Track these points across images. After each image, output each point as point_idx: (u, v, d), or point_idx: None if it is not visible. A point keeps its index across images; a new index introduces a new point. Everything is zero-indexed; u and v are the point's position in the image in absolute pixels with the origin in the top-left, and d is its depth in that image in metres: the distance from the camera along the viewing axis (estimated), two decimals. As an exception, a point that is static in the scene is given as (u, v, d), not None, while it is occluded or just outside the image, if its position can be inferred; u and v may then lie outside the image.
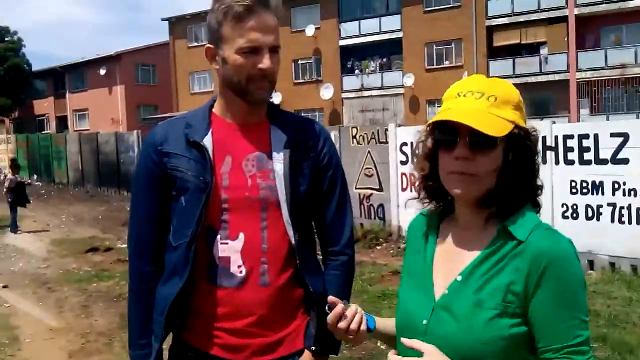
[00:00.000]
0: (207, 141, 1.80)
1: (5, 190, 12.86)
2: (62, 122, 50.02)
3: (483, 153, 1.33)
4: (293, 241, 1.82)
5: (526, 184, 1.39)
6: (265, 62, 1.74)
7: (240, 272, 1.79)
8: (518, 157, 1.36)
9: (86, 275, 8.70)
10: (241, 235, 1.79)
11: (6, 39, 45.57)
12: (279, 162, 1.82)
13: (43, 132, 44.19)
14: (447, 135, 1.37)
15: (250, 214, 1.80)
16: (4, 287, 8.14)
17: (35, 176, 24.18)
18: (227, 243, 1.79)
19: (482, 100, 1.35)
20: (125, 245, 11.78)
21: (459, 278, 1.37)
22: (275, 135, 1.85)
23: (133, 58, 45.45)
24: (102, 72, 45.55)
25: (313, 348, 1.86)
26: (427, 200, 1.52)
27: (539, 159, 1.42)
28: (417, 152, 1.51)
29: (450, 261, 1.43)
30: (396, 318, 1.53)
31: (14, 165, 14.15)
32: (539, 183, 1.42)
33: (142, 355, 1.89)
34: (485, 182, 1.35)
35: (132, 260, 1.93)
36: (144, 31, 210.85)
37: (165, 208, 1.85)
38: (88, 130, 39.75)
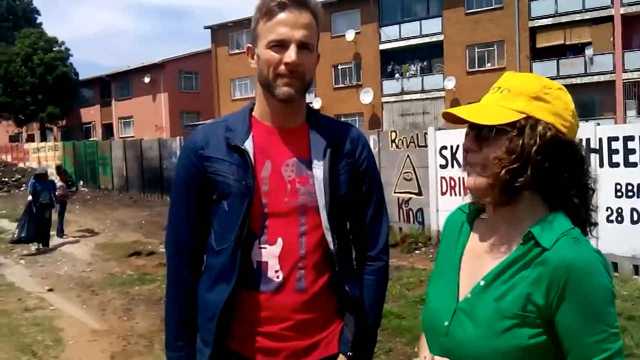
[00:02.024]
0: (248, 145, 1.80)
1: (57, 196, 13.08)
2: (108, 130, 51.17)
3: (486, 143, 1.34)
4: (332, 247, 1.81)
5: (547, 182, 1.32)
6: (291, 56, 1.72)
7: (278, 277, 1.79)
8: (526, 149, 1.29)
9: (129, 278, 8.88)
10: (279, 240, 1.79)
11: (54, 49, 46.79)
12: (318, 168, 1.81)
13: (89, 139, 45.30)
14: (469, 130, 1.40)
15: (289, 219, 1.80)
16: (50, 290, 8.37)
17: (81, 182, 24.77)
18: (265, 248, 1.79)
19: (495, 94, 1.38)
20: (166, 250, 12.17)
21: (482, 283, 1.36)
22: (315, 141, 1.85)
23: (176, 66, 46.21)
24: (147, 80, 46.44)
25: (350, 354, 1.85)
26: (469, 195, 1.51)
27: (583, 164, 1.35)
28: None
29: (476, 262, 1.42)
30: (422, 316, 1.53)
31: (62, 172, 14.49)
32: (572, 190, 1.34)
33: (178, 357, 1.91)
34: (490, 173, 1.32)
35: (171, 262, 1.94)
36: (186, 39, 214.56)
37: (204, 211, 1.86)
38: (133, 137, 40.57)
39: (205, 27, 43.05)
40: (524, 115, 1.32)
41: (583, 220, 1.37)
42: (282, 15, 1.73)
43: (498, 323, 1.28)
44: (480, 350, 1.30)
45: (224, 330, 1.82)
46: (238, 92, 41.25)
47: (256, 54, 1.81)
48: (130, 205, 19.26)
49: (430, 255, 9.51)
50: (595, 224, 1.39)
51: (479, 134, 1.36)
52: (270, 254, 1.79)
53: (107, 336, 6.20)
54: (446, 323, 1.38)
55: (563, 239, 1.28)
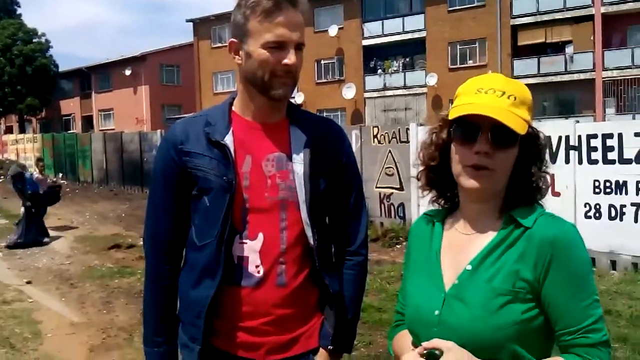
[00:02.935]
0: (229, 140, 1.79)
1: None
2: (87, 122, 50.68)
3: (503, 149, 1.38)
4: (312, 241, 1.82)
5: (539, 181, 1.44)
6: (291, 58, 1.73)
7: (258, 272, 1.79)
8: (530, 155, 1.42)
9: (108, 271, 8.82)
10: (260, 235, 1.79)
11: (34, 40, 46.19)
12: (298, 163, 1.81)
13: (69, 131, 44.82)
14: (467, 129, 1.40)
15: (270, 215, 1.80)
16: (28, 282, 8.29)
17: (60, 175, 24.52)
18: (246, 243, 1.79)
19: (503, 99, 1.39)
20: (146, 243, 11.89)
21: (469, 267, 1.41)
22: (295, 136, 1.84)
23: (157, 59, 45.90)
24: (127, 72, 46.06)
25: (330, 347, 1.87)
26: (428, 191, 1.58)
27: (548, 161, 1.48)
28: (428, 141, 1.55)
29: (458, 253, 1.46)
30: (406, 312, 1.55)
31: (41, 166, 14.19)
32: (544, 185, 1.47)
33: (157, 353, 1.90)
34: (500, 177, 1.40)
35: (149, 258, 1.92)
36: (168, 32, 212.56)
37: (184, 206, 1.85)
38: (113, 129, 40.22)
39: (187, 21, 42.82)
40: (528, 125, 1.41)
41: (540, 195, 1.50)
42: (280, 16, 1.71)
43: (492, 301, 1.35)
44: (477, 330, 1.34)
45: (209, 326, 1.81)
46: (220, 86, 41.07)
47: (245, 51, 1.78)
48: (110, 198, 19.11)
49: (411, 250, 9.57)
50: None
51: (497, 138, 1.38)
52: (251, 249, 1.79)
53: (86, 329, 6.15)
54: (437, 312, 1.41)
55: (541, 218, 1.39)
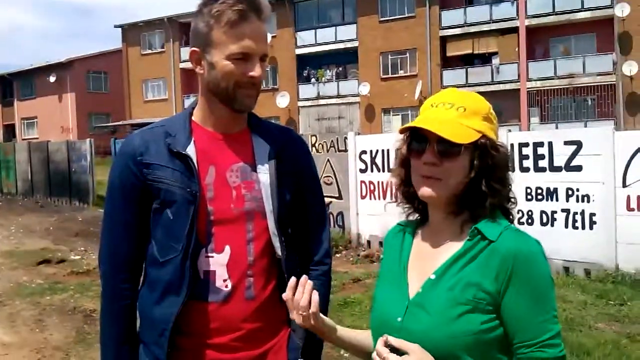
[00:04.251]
0: (191, 151, 1.75)
1: None
2: (9, 131, 48.71)
3: (449, 158, 1.42)
4: (280, 252, 1.79)
5: (495, 191, 1.45)
6: (257, 70, 1.71)
7: (226, 286, 1.74)
8: (484, 165, 1.43)
9: (39, 288, 8.42)
10: (227, 248, 1.74)
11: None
12: (264, 173, 1.79)
13: (-10, 140, 42.91)
14: (418, 142, 1.46)
15: (236, 226, 1.76)
16: (-48, 302, 7.83)
17: (-18, 186, 23.40)
18: (212, 256, 1.74)
19: (451, 111, 1.45)
20: (78, 257, 11.17)
21: (433, 276, 1.44)
22: (258, 146, 1.82)
23: (84, 65, 44.62)
24: (52, 79, 44.56)
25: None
26: (406, 205, 1.60)
27: (510, 172, 1.51)
28: (396, 158, 1.59)
29: (425, 262, 1.50)
30: (371, 317, 1.58)
31: None
32: (511, 194, 1.51)
33: None
34: (451, 185, 1.44)
35: (107, 277, 1.84)
36: (95, 38, 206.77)
37: (144, 221, 1.78)
38: (37, 138, 38.76)
39: (116, 26, 41.83)
40: (481, 134, 1.44)
41: (511, 215, 1.53)
42: (246, 27, 1.69)
43: (452, 310, 1.37)
44: (436, 337, 1.37)
45: (174, 345, 1.75)
46: (150, 94, 40.30)
47: (208, 62, 1.74)
48: (37, 210, 18.33)
49: (351, 259, 9.62)
50: (513, 216, 1.54)
51: (441, 149, 1.42)
52: (217, 262, 1.75)
53: (18, 349, 5.85)
54: (399, 319, 1.44)
55: (506, 232, 1.42)
